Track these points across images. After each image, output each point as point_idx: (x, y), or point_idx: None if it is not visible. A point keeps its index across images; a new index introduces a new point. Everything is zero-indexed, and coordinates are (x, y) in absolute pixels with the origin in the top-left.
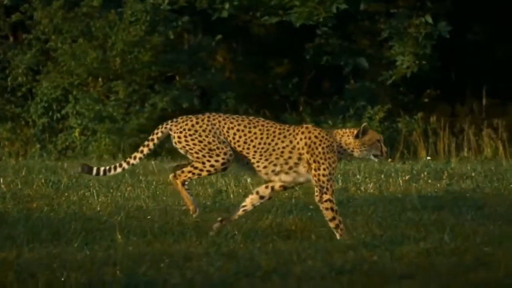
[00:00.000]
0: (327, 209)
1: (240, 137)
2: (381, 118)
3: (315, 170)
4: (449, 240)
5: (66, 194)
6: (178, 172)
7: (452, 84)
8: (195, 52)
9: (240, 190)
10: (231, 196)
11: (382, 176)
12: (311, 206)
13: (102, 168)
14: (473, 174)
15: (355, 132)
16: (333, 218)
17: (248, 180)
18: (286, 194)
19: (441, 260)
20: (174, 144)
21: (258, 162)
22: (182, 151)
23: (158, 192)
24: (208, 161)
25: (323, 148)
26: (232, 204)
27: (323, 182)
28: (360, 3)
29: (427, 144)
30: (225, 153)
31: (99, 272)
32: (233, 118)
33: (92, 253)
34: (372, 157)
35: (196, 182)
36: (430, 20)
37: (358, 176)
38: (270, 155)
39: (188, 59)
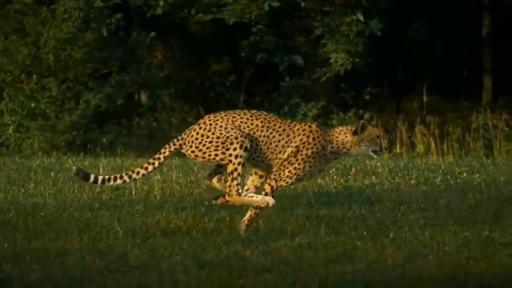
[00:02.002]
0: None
1: (244, 128)
2: (314, 115)
3: (288, 162)
4: (324, 234)
5: None
6: (227, 192)
7: (395, 82)
8: (130, 49)
9: (146, 187)
10: (133, 192)
11: None
12: (206, 203)
13: (100, 177)
14: (380, 170)
15: (353, 128)
16: (257, 208)
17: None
18: (179, 189)
19: (311, 254)
20: (193, 159)
21: (259, 154)
22: (206, 162)
23: (64, 189)
24: (230, 154)
25: (312, 152)
26: (129, 201)
27: (284, 174)
28: (294, 0)
29: None
30: (236, 137)
31: None
32: (234, 113)
33: None
34: (371, 153)
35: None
36: (361, 18)
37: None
38: (268, 148)
39: (123, 56)
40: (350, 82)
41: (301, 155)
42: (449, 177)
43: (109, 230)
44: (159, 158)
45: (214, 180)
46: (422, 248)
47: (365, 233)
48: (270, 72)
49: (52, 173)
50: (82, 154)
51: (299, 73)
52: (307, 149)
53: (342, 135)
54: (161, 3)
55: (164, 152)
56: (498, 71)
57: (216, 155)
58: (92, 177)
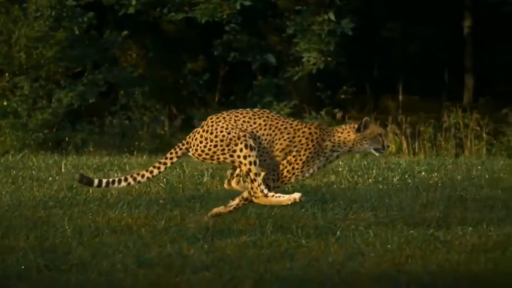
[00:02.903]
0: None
1: (246, 128)
2: (287, 114)
3: (287, 161)
4: (270, 233)
5: None
6: (252, 193)
7: (372, 81)
8: (103, 48)
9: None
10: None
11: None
12: (161, 201)
13: (104, 180)
14: (340, 169)
15: (356, 126)
16: (246, 200)
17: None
18: (137, 188)
19: (254, 252)
20: (202, 161)
21: (261, 153)
22: (216, 164)
23: (21, 188)
24: (238, 156)
25: (310, 153)
26: (85, 199)
27: (282, 174)
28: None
29: None
30: (238, 137)
31: None
32: (236, 112)
33: None
34: (373, 151)
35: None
36: (332, 17)
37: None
38: (270, 146)
39: (95, 54)
40: (327, 81)
41: (300, 155)
42: (406, 176)
43: (57, 228)
44: (165, 163)
45: (234, 183)
46: (365, 247)
47: (312, 231)
48: (244, 71)
49: (14, 171)
50: (50, 152)
51: (273, 72)
52: (305, 149)
53: (345, 133)
54: (134, 2)
55: (171, 157)
56: (479, 70)
57: (225, 158)
58: (96, 181)
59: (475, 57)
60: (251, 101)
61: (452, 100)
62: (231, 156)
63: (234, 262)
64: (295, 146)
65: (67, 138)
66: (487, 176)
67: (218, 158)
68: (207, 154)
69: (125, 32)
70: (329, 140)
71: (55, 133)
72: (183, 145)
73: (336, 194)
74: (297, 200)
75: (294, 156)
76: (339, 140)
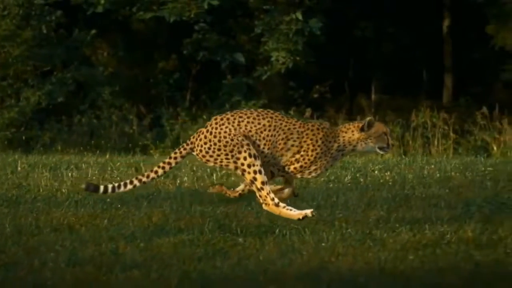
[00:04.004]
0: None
1: (251, 128)
2: None
3: (295, 159)
4: (208, 231)
5: None
6: (261, 200)
7: (347, 80)
8: (72, 46)
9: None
10: (40, 190)
11: (208, 170)
12: (108, 200)
13: (110, 186)
14: None
15: (360, 125)
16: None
17: None
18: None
19: (190, 250)
20: (205, 163)
21: (266, 154)
22: (218, 167)
23: None
24: (242, 164)
25: (317, 153)
26: (34, 198)
27: (288, 169)
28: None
29: None
30: (242, 145)
31: None
32: (241, 113)
33: None
34: (377, 150)
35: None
36: (300, 17)
37: (184, 170)
38: (274, 147)
39: (64, 53)
40: (301, 81)
41: (307, 155)
42: (359, 175)
43: None
44: (170, 163)
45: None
46: (300, 245)
47: (252, 230)
48: (215, 70)
49: None
50: (19, 151)
51: (243, 72)
52: (312, 150)
53: (349, 132)
54: (102, 1)
55: (175, 157)
56: (459, 70)
57: (228, 163)
58: (101, 188)
59: (455, 56)
60: (219, 100)
61: (431, 99)
62: (235, 162)
63: (166, 261)
64: (301, 147)
65: (45, 136)
66: (438, 175)
67: (222, 162)
68: (211, 156)
69: (93, 31)
70: (335, 141)
71: (23, 132)
72: (187, 145)
73: None
74: (309, 215)
75: (302, 155)
76: (343, 140)
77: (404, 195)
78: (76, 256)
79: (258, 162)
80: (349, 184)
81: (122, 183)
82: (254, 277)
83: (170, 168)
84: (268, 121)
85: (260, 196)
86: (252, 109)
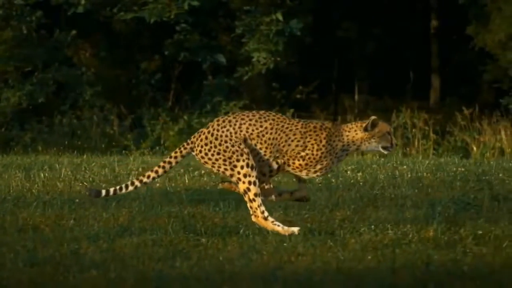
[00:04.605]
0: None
1: (252, 131)
2: None
3: (301, 156)
4: (172, 231)
5: None
6: (251, 212)
7: (331, 81)
8: (53, 47)
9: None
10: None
11: (181, 170)
12: (77, 200)
13: (111, 189)
14: None
15: (364, 125)
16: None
17: None
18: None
19: (152, 250)
20: (203, 164)
21: (269, 157)
22: (215, 171)
23: None
24: (238, 172)
25: (322, 152)
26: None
27: (293, 164)
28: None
29: None
30: (241, 154)
31: None
32: (243, 115)
33: None
34: (381, 150)
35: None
36: (280, 17)
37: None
38: (277, 150)
39: (45, 54)
40: (285, 81)
41: (313, 154)
42: (330, 175)
43: None
44: (170, 162)
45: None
46: (262, 245)
47: (218, 230)
48: (197, 71)
49: None
50: None
51: (225, 72)
52: (317, 149)
53: (353, 132)
54: (83, 1)
55: (176, 156)
56: (446, 71)
57: (225, 169)
58: (103, 192)
59: (442, 57)
60: (201, 101)
61: (418, 100)
62: (232, 169)
63: (126, 261)
64: (306, 147)
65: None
66: (409, 175)
67: (219, 167)
68: (209, 159)
69: (74, 32)
70: (339, 140)
71: (3, 132)
72: (188, 144)
73: None
74: (296, 233)
75: (307, 154)
76: (347, 139)
77: (372, 195)
78: (36, 256)
79: (254, 173)
80: (319, 185)
81: (123, 185)
82: (210, 277)
83: (171, 167)
84: (270, 124)
85: (251, 207)
86: (254, 112)
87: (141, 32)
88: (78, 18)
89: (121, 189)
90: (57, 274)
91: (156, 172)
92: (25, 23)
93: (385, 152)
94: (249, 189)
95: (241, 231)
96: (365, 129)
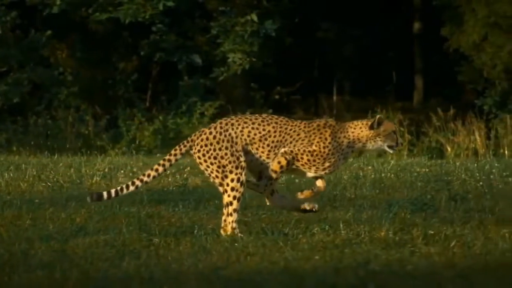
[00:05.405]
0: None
1: (255, 135)
2: (212, 114)
3: (309, 151)
4: (126, 231)
5: None
6: (223, 224)
7: (312, 82)
8: (28, 47)
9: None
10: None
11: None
12: (37, 200)
13: (113, 191)
14: None
15: (370, 123)
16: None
17: None
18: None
19: (102, 251)
20: (198, 164)
21: (272, 160)
22: (206, 175)
23: None
24: (227, 184)
25: (329, 150)
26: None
27: (301, 158)
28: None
29: None
30: (236, 167)
31: None
32: (246, 118)
33: None
34: (386, 148)
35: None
36: (255, 18)
37: (123, 171)
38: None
39: (20, 54)
40: (263, 82)
41: (320, 151)
42: (293, 175)
43: None
44: (169, 160)
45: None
46: (214, 244)
47: (173, 230)
48: (175, 72)
49: None
50: None
51: (200, 73)
52: (323, 147)
53: (358, 129)
54: (58, 2)
55: (175, 154)
56: (429, 72)
57: (217, 176)
58: (105, 194)
59: (425, 58)
60: (176, 102)
61: (402, 101)
62: (222, 179)
63: (74, 261)
64: (312, 144)
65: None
66: (372, 176)
67: (212, 172)
68: (205, 160)
69: (49, 32)
70: (344, 136)
71: None
72: (187, 142)
73: (216, 194)
74: None
75: (314, 150)
76: (353, 136)
77: (332, 195)
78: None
79: (242, 190)
80: (282, 185)
81: (124, 186)
82: (154, 277)
83: (170, 165)
84: (273, 127)
85: (225, 220)
86: (256, 115)
87: (117, 33)
88: (53, 18)
89: (122, 189)
90: (3, 274)
91: (156, 170)
92: (0, 23)
93: (391, 151)
94: (231, 203)
95: (195, 231)
96: (371, 127)
